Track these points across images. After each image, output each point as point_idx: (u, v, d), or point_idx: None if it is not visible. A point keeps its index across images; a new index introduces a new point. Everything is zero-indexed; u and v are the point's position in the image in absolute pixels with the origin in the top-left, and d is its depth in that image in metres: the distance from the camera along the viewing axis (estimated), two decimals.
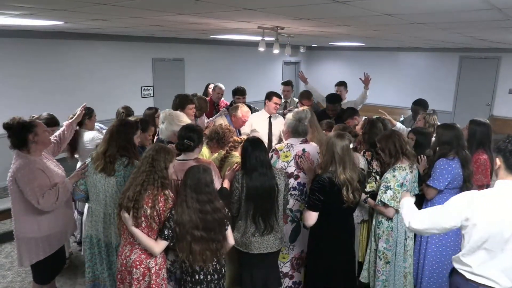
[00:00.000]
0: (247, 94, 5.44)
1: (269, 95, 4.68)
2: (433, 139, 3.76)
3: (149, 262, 2.46)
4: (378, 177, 3.30)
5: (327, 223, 2.72)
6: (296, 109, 3.36)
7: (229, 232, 2.53)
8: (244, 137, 3.53)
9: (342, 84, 5.77)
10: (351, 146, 2.69)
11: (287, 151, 3.13)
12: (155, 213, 2.39)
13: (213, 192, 2.46)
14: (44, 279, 3.15)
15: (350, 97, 5.81)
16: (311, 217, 2.66)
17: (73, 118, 3.48)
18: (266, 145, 4.38)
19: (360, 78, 5.48)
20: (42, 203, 2.75)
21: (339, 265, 2.80)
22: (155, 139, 3.88)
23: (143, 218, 2.38)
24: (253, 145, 2.80)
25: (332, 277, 2.80)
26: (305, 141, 3.21)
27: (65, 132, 3.39)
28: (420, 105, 4.94)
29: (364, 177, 2.81)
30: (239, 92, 5.38)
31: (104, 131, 4.01)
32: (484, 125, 3.50)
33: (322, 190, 2.59)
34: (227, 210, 2.54)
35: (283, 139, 3.46)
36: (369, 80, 5.41)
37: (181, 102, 4.16)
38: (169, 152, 2.51)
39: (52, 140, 3.25)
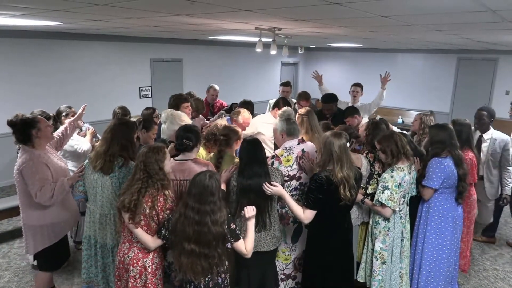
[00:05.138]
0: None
1: (279, 105, 4.53)
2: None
3: (146, 261, 2.46)
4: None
5: (325, 221, 2.73)
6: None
7: (240, 243, 2.35)
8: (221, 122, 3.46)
9: (358, 85, 5.58)
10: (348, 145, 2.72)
11: (288, 155, 3.12)
12: (154, 212, 2.39)
13: (218, 202, 2.26)
14: (50, 266, 3.27)
15: (363, 100, 5.60)
16: (308, 216, 2.67)
17: (74, 117, 3.66)
18: (273, 149, 4.38)
19: (380, 75, 5.32)
20: (38, 196, 2.85)
21: (337, 263, 2.81)
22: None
23: (142, 217, 2.38)
24: (249, 144, 2.85)
25: (329, 275, 2.80)
26: (302, 141, 3.22)
27: (67, 129, 3.53)
28: (487, 111, 4.63)
29: (360, 175, 2.83)
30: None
31: (85, 129, 4.22)
32: (467, 125, 3.68)
33: (320, 188, 2.61)
34: (234, 226, 2.34)
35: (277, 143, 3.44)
36: (388, 79, 5.23)
37: (175, 102, 4.25)
38: (159, 151, 2.43)
39: (55, 136, 3.40)
